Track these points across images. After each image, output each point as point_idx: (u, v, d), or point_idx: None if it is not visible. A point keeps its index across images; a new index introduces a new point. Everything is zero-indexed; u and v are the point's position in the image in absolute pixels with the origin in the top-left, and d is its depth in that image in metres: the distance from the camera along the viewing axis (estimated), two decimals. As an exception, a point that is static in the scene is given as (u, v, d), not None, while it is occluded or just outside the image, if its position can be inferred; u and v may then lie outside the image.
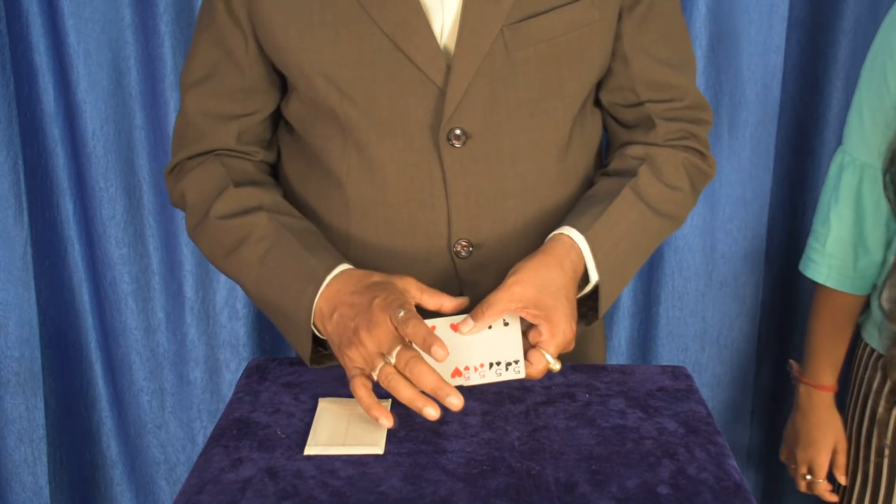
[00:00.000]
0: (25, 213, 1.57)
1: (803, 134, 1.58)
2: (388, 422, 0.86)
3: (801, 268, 1.29)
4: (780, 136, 1.58)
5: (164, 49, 1.49)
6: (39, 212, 1.58)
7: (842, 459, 1.29)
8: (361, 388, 0.87)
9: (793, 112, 1.58)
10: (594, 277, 0.96)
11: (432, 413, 0.83)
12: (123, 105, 1.54)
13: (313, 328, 0.94)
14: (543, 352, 0.88)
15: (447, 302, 0.91)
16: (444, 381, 0.83)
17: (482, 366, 0.88)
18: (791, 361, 1.37)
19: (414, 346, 0.86)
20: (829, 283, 1.25)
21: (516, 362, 0.87)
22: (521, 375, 0.87)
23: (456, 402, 0.83)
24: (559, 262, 0.92)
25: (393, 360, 0.85)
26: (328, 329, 0.91)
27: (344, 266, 0.94)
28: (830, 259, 1.24)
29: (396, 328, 0.86)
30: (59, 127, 1.52)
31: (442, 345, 0.82)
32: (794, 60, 1.55)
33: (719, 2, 1.50)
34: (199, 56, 1.03)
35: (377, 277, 0.91)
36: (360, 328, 0.87)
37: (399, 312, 0.85)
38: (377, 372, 0.86)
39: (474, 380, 0.88)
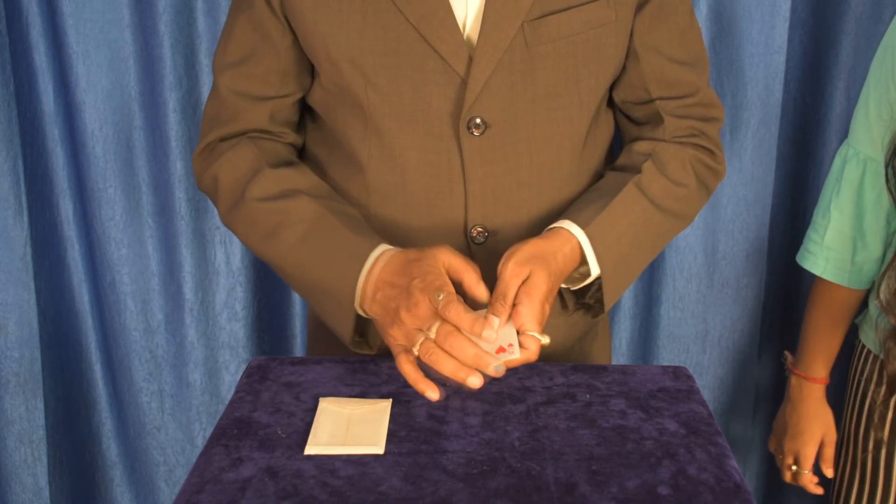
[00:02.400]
0: (25, 213, 1.56)
1: (805, 135, 1.58)
2: (434, 394, 0.88)
3: (799, 259, 1.29)
4: (782, 136, 1.57)
5: (164, 49, 1.49)
6: (39, 212, 1.57)
7: (829, 452, 1.30)
8: (406, 364, 0.89)
9: (795, 113, 1.57)
10: (595, 270, 0.98)
11: (476, 382, 0.85)
12: (123, 105, 1.53)
13: (358, 309, 0.95)
14: (530, 333, 0.89)
15: (472, 281, 0.91)
16: (483, 352, 0.85)
17: None
18: (786, 353, 1.38)
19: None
20: (827, 276, 1.25)
21: (510, 346, 0.89)
22: (516, 356, 0.88)
23: (500, 368, 0.85)
24: (553, 252, 0.94)
25: (432, 335, 0.86)
26: (373, 309, 0.93)
27: (384, 247, 0.96)
28: (828, 251, 1.24)
29: (436, 308, 0.87)
30: (58, 127, 1.52)
31: (488, 324, 0.85)
32: (795, 61, 1.54)
33: (721, 2, 1.50)
34: (235, 38, 1.05)
35: (413, 255, 0.92)
36: (400, 308, 0.89)
37: (439, 296, 0.86)
38: (417, 347, 0.87)
39: None
